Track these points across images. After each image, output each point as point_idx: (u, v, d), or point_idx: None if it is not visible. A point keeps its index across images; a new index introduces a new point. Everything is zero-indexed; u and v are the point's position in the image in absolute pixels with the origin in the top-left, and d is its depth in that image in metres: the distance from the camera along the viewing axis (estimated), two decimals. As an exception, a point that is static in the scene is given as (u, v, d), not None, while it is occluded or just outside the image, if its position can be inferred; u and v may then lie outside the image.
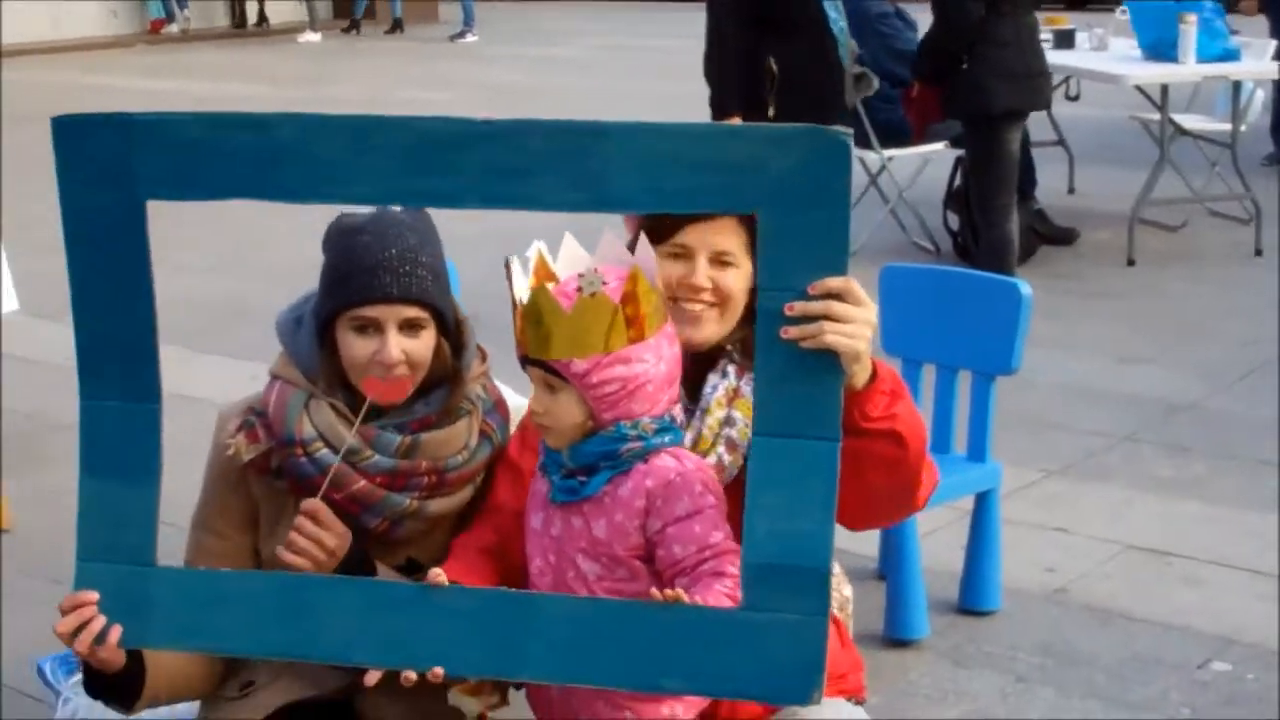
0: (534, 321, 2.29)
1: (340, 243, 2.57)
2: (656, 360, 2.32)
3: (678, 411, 2.40)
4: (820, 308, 2.10)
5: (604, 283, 2.27)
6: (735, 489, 2.30)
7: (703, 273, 2.48)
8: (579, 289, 2.27)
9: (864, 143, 7.99)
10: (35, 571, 4.58)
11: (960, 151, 7.85)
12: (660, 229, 2.47)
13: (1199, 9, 8.09)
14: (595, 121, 2.13)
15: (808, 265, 2.11)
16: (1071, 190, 9.75)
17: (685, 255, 2.50)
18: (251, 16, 23.27)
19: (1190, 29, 8.01)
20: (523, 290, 2.31)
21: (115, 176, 2.21)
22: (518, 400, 2.77)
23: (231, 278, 8.37)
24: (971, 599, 4.34)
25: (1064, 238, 8.60)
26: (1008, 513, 4.57)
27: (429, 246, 2.58)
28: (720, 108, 6.24)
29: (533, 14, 23.17)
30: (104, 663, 2.36)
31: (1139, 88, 8.66)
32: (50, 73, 17.42)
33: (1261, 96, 9.54)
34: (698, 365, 2.52)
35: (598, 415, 2.33)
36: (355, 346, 2.54)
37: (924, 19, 7.42)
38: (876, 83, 7.26)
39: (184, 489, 2.66)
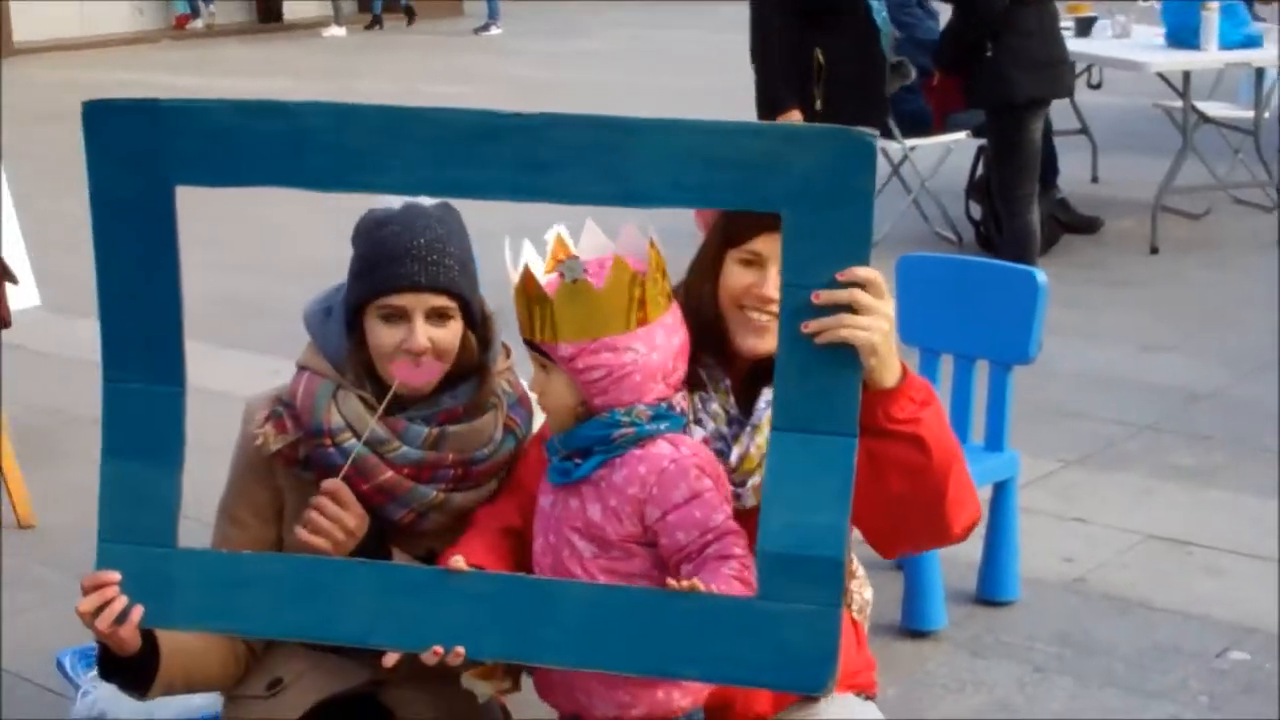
0: (524, 303, 2.32)
1: (369, 234, 2.58)
2: (648, 350, 2.33)
3: (679, 399, 2.40)
4: (846, 295, 2.10)
5: (584, 270, 2.28)
6: None
7: (773, 283, 2.35)
8: (560, 275, 2.29)
9: (886, 133, 7.96)
10: (55, 565, 4.60)
11: (982, 141, 7.82)
12: (734, 233, 2.43)
13: (1221, -5, 8.05)
14: (622, 117, 2.14)
15: (831, 263, 2.12)
16: (1095, 179, 9.70)
17: (757, 263, 2.42)
18: (285, 13, 23.23)
19: (1212, 15, 7.96)
20: (519, 270, 2.33)
21: (144, 161, 2.23)
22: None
23: (252, 274, 8.38)
24: (989, 589, 4.34)
25: (1087, 226, 8.56)
26: (1026, 502, 4.56)
27: (457, 239, 2.59)
28: (774, 102, 6.23)
29: (557, 7, 23.16)
30: (122, 643, 2.36)
31: (1161, 75, 8.59)
32: (77, 70, 17.47)
33: (1285, 83, 9.48)
34: (752, 377, 2.48)
35: (589, 400, 2.34)
36: (383, 335, 2.55)
37: (944, 8, 7.39)
38: (914, 72, 7.25)
39: (203, 483, 2.66)
